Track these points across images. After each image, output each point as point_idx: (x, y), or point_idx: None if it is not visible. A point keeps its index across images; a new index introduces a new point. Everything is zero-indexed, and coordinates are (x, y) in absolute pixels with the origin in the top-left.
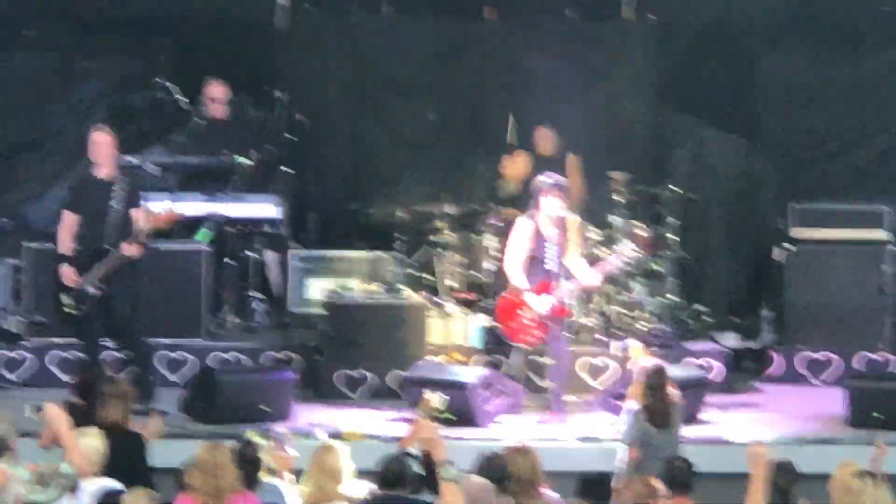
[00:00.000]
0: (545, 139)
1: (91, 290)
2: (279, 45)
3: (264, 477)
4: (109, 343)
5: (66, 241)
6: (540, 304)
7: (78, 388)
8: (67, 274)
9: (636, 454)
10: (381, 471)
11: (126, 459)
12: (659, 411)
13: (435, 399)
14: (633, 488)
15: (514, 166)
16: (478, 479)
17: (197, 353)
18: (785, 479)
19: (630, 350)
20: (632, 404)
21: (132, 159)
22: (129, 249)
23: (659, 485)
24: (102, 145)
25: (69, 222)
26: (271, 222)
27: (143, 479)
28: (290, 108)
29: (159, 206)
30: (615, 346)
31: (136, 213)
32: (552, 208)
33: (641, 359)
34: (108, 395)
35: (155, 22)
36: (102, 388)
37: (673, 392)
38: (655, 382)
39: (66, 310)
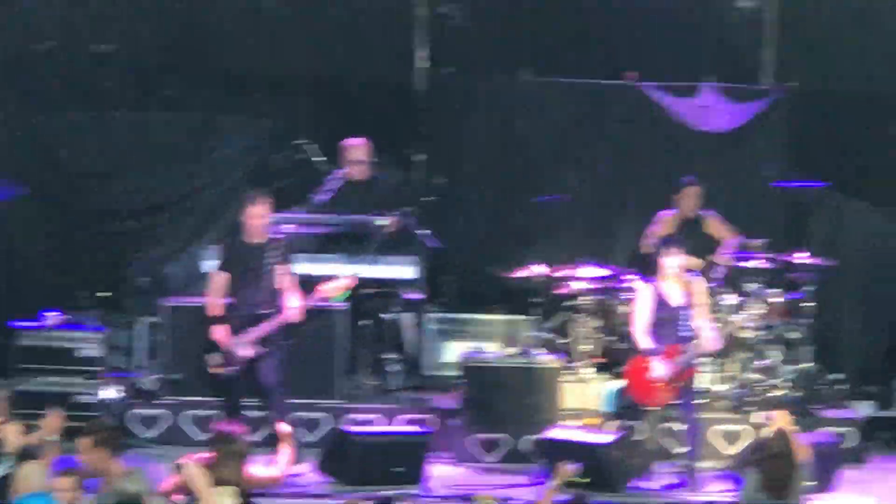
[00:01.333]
0: (693, 197)
1: (243, 351)
2: (419, 107)
3: None
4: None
5: (217, 301)
6: (660, 369)
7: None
8: (220, 333)
9: None
10: None
11: None
12: (776, 479)
13: (569, 470)
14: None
15: (662, 227)
16: None
17: (332, 414)
18: None
19: (775, 419)
20: (752, 470)
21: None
22: (290, 315)
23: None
24: (259, 216)
25: (220, 283)
26: (408, 284)
27: None
28: (428, 170)
29: (339, 277)
30: (758, 414)
31: (290, 279)
32: (671, 267)
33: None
34: (224, 453)
35: (296, 81)
36: (220, 447)
37: (798, 461)
38: (778, 451)
39: (214, 370)
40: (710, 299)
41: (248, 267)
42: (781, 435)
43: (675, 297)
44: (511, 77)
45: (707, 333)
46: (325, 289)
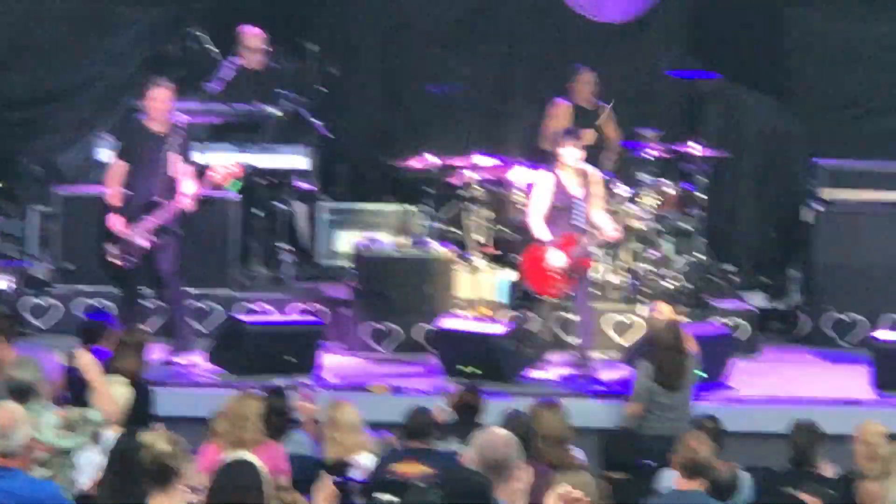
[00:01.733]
0: (588, 85)
1: (141, 241)
2: None
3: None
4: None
5: (116, 190)
6: (556, 258)
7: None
8: (118, 224)
9: (635, 410)
10: (405, 422)
11: (140, 409)
12: (668, 371)
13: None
14: (688, 447)
15: (557, 117)
16: (501, 432)
17: (224, 304)
18: (807, 440)
19: (658, 311)
20: (643, 361)
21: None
22: (185, 204)
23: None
24: (161, 101)
25: (119, 171)
26: (301, 174)
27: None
28: (321, 59)
29: (226, 163)
30: (643, 307)
31: (184, 168)
32: (571, 159)
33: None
34: (125, 343)
35: None
36: (122, 338)
37: (688, 353)
38: (667, 341)
39: (112, 259)
40: (604, 190)
41: (148, 155)
42: (671, 326)
43: (573, 188)
44: None
45: (604, 224)
46: (215, 175)
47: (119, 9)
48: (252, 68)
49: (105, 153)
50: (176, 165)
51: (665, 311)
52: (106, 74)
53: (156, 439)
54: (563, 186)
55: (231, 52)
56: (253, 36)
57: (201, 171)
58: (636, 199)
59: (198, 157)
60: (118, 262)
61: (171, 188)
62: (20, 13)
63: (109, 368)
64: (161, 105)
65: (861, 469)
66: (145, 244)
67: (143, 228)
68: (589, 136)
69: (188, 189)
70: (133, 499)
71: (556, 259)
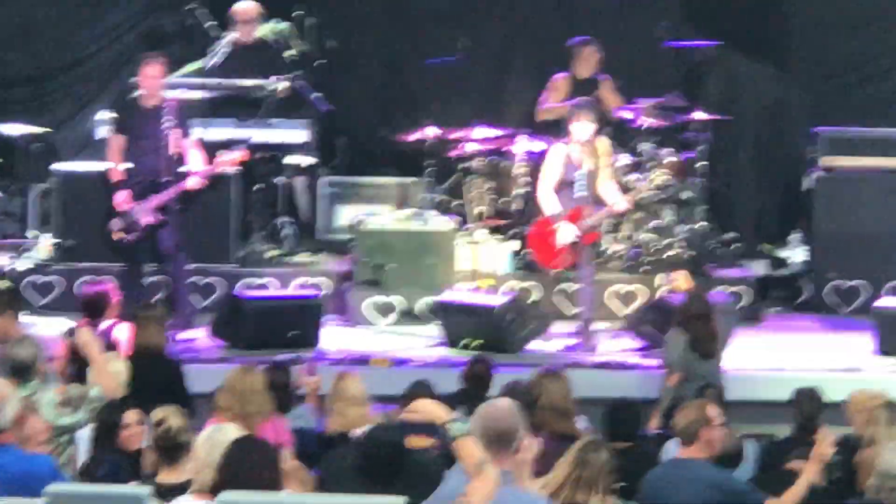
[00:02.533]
0: (593, 57)
1: (146, 218)
2: None
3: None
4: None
5: (117, 165)
6: (565, 234)
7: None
8: (121, 199)
9: (676, 380)
10: (406, 395)
11: (164, 384)
12: (702, 340)
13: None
14: (688, 414)
15: (556, 90)
16: (503, 402)
17: (226, 279)
18: (810, 407)
19: (676, 280)
20: (676, 331)
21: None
22: (191, 184)
23: (714, 411)
24: (153, 77)
25: (119, 147)
26: (301, 148)
27: (182, 403)
28: (320, 33)
29: (237, 152)
30: (660, 276)
31: (187, 143)
32: (582, 133)
33: (686, 287)
34: (145, 319)
35: None
36: (139, 313)
37: (717, 318)
38: (700, 311)
39: (116, 236)
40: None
41: (145, 131)
42: (698, 294)
43: (583, 161)
44: None
45: (614, 196)
46: (222, 161)
47: None
48: (248, 42)
49: (103, 130)
50: (179, 142)
51: (682, 279)
52: (102, 51)
53: (168, 414)
54: (571, 160)
55: (227, 27)
56: (246, 10)
57: (205, 148)
58: (637, 169)
59: (199, 132)
60: (122, 237)
61: (174, 165)
62: None
63: (134, 345)
64: (153, 80)
65: (859, 435)
66: (149, 220)
67: (148, 205)
68: None
69: (195, 166)
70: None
71: (567, 233)
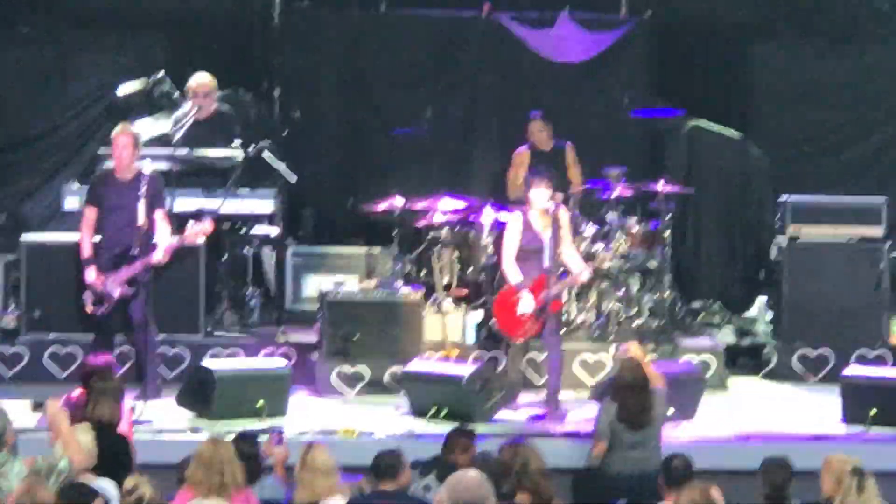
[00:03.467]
0: (541, 131)
1: (117, 292)
2: (274, 40)
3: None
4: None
5: (88, 239)
6: (526, 304)
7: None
8: (93, 276)
9: (601, 448)
10: (374, 464)
11: (114, 456)
12: (631, 410)
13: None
14: (689, 495)
15: (519, 165)
16: (472, 473)
17: (194, 349)
18: (780, 477)
19: (629, 352)
20: (608, 401)
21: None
22: (159, 257)
23: (717, 494)
24: (125, 147)
25: (90, 219)
26: (267, 218)
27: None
28: (284, 103)
29: (205, 224)
30: (611, 346)
31: (156, 215)
32: (540, 200)
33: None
34: (100, 391)
35: (150, 16)
36: (94, 384)
37: (652, 390)
38: (628, 379)
39: (89, 309)
40: (575, 230)
41: (116, 203)
42: (634, 365)
43: (542, 229)
44: (367, 9)
45: (575, 264)
46: (189, 233)
47: (81, 56)
48: (206, 115)
49: (71, 201)
50: (146, 213)
51: (635, 350)
52: (69, 121)
53: (139, 482)
54: (532, 228)
55: (185, 99)
56: (202, 83)
57: (172, 220)
58: (604, 238)
59: (166, 203)
60: (94, 310)
61: (143, 237)
62: None
63: (85, 416)
64: (125, 151)
65: (828, 500)
66: (119, 293)
67: (118, 278)
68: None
69: (162, 240)
70: None
71: (527, 305)
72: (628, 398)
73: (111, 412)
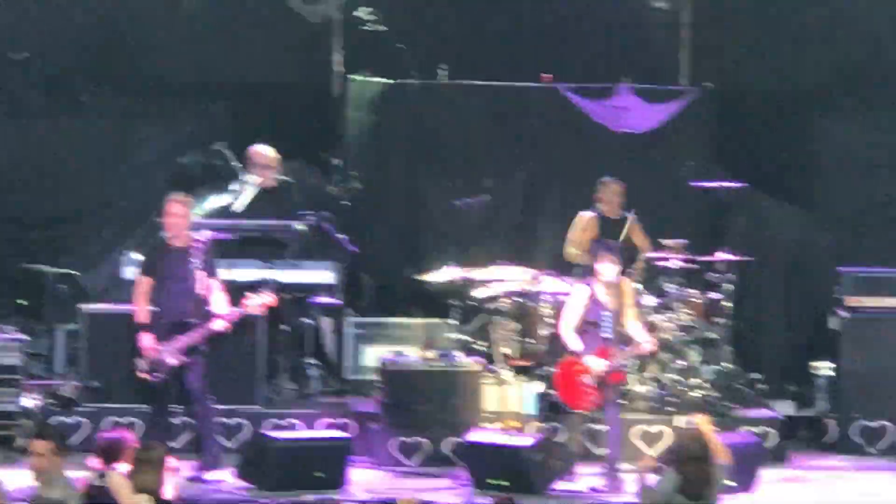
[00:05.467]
0: (617, 196)
1: (172, 360)
2: (335, 110)
3: None
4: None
5: (143, 308)
6: (597, 364)
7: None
8: (147, 341)
9: None
10: None
11: None
12: (693, 482)
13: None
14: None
15: (584, 230)
16: None
17: (252, 420)
18: None
19: (697, 424)
20: (669, 471)
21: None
22: (221, 326)
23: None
24: (178, 215)
25: (145, 289)
26: (327, 288)
27: None
28: (345, 173)
29: (267, 296)
30: (673, 417)
31: (213, 284)
32: (607, 273)
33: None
34: (143, 461)
35: (212, 86)
36: (137, 455)
37: (715, 463)
38: (693, 451)
39: (142, 375)
40: (637, 301)
41: (172, 272)
42: (698, 437)
43: (607, 300)
44: (427, 79)
45: (640, 336)
46: (249, 304)
47: (142, 126)
48: (267, 185)
49: (130, 271)
50: (205, 283)
51: (702, 423)
52: (129, 192)
53: None
54: (597, 299)
55: (245, 170)
56: (263, 153)
57: (231, 289)
58: (665, 309)
59: (225, 272)
60: (148, 379)
61: (200, 306)
62: (41, 134)
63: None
64: (178, 219)
65: None
66: (175, 362)
67: (174, 347)
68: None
69: (220, 308)
70: None
71: (597, 365)
72: (691, 470)
73: (154, 482)
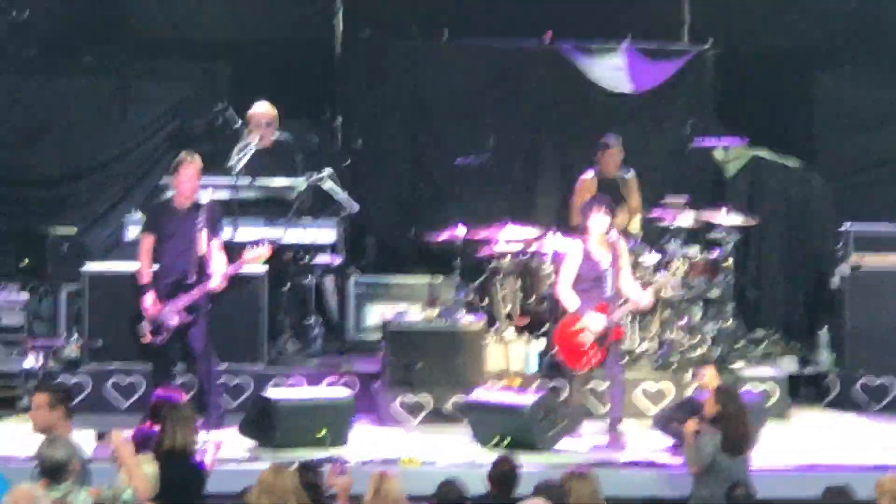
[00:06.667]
0: (617, 156)
1: (174, 320)
2: (336, 70)
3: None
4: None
5: (146, 267)
6: (596, 322)
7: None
8: (150, 303)
9: (698, 473)
10: (435, 495)
11: (184, 487)
12: (734, 438)
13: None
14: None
15: (583, 191)
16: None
17: (256, 379)
18: None
19: (705, 377)
20: (705, 428)
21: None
22: (217, 284)
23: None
24: (187, 176)
25: (148, 247)
26: (329, 248)
27: None
28: (346, 132)
29: (262, 248)
30: (676, 374)
31: (214, 244)
32: (599, 227)
33: (715, 384)
34: (175, 420)
35: (213, 46)
36: (168, 413)
37: (751, 417)
38: (734, 410)
39: (146, 339)
40: (631, 258)
41: (175, 231)
42: (728, 393)
43: (601, 257)
44: (429, 38)
45: (636, 293)
46: (247, 258)
47: (143, 85)
48: (268, 144)
49: (133, 230)
50: (205, 242)
51: (710, 376)
52: (131, 151)
53: None
54: (591, 256)
55: (246, 127)
56: (263, 112)
57: (231, 248)
58: (665, 267)
59: (228, 233)
60: (151, 340)
61: (201, 265)
62: (45, 93)
63: (162, 446)
64: (187, 181)
65: None
66: (176, 321)
67: (175, 306)
68: (619, 220)
69: (218, 267)
70: None
71: (596, 322)
72: (731, 427)
73: (185, 440)
